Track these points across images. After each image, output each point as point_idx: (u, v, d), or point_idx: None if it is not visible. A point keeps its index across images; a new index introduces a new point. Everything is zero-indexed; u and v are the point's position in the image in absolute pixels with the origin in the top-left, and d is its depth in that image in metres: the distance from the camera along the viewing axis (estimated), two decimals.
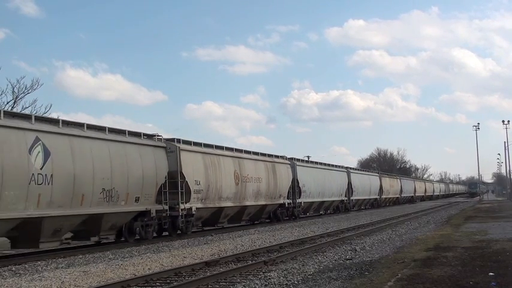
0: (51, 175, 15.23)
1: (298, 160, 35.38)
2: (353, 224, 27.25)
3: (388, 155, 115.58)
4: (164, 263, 13.78)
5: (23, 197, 14.38)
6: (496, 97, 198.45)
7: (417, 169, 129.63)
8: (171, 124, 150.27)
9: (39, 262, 14.62)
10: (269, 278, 10.67)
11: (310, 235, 20.87)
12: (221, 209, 24.58)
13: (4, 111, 14.77)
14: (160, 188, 20.36)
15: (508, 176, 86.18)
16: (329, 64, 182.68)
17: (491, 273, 9.83)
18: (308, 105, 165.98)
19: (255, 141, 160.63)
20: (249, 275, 11.51)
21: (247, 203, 26.89)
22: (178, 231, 21.95)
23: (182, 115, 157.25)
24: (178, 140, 22.17)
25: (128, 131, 19.60)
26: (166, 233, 21.96)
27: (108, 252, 16.71)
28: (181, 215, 21.37)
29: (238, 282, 10.50)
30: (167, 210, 20.75)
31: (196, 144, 23.59)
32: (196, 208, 22.36)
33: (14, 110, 32.07)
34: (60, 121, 16.68)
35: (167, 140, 21.83)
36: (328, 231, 23.01)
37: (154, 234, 21.19)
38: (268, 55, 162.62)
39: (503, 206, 47.61)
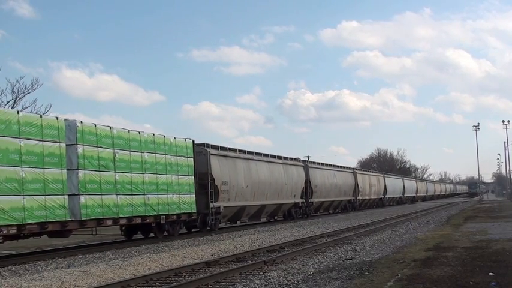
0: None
1: (387, 173, 66.63)
2: (353, 224, 27.27)
3: (388, 155, 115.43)
4: (164, 263, 13.79)
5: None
6: (492, 98, 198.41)
7: (417, 169, 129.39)
8: (169, 125, 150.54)
9: (39, 262, 14.64)
10: (269, 278, 10.67)
11: (310, 235, 20.89)
12: (365, 199, 51.14)
13: (326, 163, 42.11)
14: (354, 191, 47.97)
15: (508, 176, 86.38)
16: (324, 65, 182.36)
17: (491, 273, 9.83)
18: (305, 105, 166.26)
19: (253, 142, 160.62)
20: (249, 275, 11.50)
21: (371, 197, 53.75)
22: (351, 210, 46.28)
23: (180, 115, 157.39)
24: (356, 168, 50.26)
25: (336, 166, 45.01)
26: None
27: (108, 252, 16.72)
28: (357, 203, 47.85)
29: (238, 282, 10.50)
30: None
31: (358, 169, 51.63)
32: (360, 198, 49.43)
33: (14, 110, 32.09)
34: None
35: (353, 169, 47.95)
36: (328, 231, 23.04)
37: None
38: (263, 56, 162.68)
39: (503, 206, 47.64)
